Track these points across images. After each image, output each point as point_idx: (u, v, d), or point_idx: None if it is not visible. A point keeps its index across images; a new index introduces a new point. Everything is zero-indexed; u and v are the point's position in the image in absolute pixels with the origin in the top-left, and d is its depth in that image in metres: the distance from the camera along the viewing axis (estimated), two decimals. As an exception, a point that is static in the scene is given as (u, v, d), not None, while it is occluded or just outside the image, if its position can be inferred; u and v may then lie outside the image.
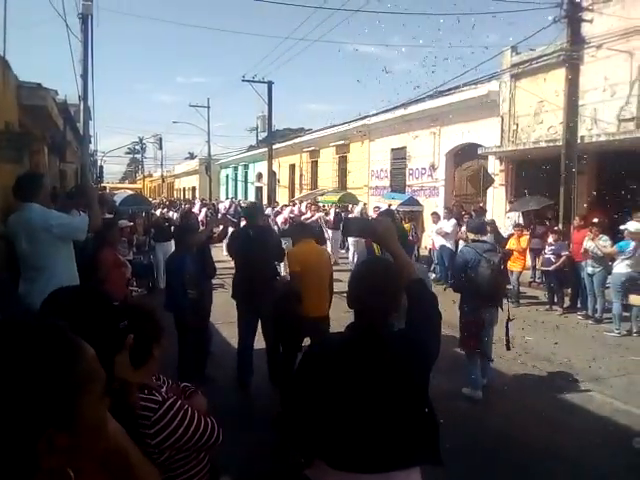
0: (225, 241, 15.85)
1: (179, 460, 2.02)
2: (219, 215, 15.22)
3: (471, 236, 6.13)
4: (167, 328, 2.32)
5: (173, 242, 11.26)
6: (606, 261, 8.96)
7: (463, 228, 12.07)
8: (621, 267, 8.45)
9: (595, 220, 9.47)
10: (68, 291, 1.74)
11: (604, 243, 8.89)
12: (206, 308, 6.10)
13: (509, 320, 5.53)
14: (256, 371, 5.85)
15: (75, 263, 4.26)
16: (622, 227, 8.83)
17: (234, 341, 7.46)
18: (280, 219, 14.83)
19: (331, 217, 16.28)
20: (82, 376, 0.87)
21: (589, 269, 9.13)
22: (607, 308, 9.06)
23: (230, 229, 15.31)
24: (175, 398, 2.06)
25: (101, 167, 36.39)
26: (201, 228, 7.65)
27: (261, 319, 5.75)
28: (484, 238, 6.07)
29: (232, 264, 15.20)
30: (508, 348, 5.64)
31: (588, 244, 9.05)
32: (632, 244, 8.40)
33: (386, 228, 2.29)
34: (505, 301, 5.78)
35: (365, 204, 18.42)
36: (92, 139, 25.53)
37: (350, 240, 15.57)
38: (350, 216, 13.83)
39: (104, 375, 0.94)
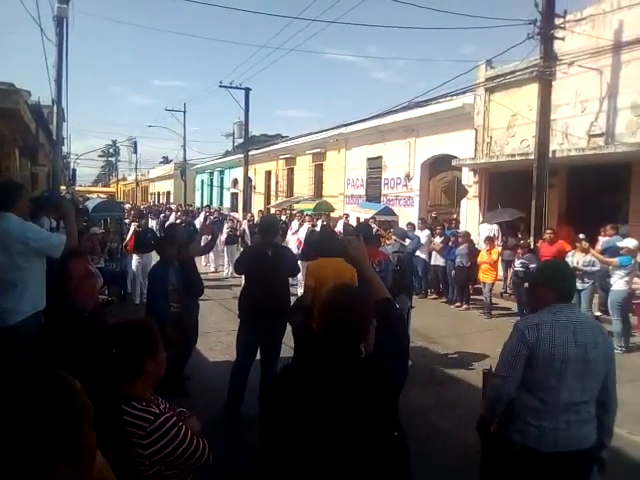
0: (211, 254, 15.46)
1: (167, 477, 2.04)
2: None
3: (394, 237, 8.43)
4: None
5: (152, 254, 10.99)
6: (597, 276, 8.91)
7: (436, 239, 12.21)
8: (620, 284, 8.39)
9: (582, 235, 9.40)
10: (60, 322, 1.81)
11: (590, 258, 8.85)
12: (191, 323, 5.91)
13: (410, 307, 7.02)
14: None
15: (45, 277, 4.17)
16: (620, 244, 8.82)
17: (207, 353, 7.42)
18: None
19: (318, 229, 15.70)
20: (79, 409, 0.93)
21: (578, 285, 9.10)
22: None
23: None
24: (171, 414, 2.11)
25: (74, 170, 35.87)
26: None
27: (262, 346, 5.39)
28: (402, 242, 8.32)
29: (212, 275, 14.70)
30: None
31: (578, 258, 8.97)
32: (633, 260, 8.38)
33: (356, 248, 2.33)
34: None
35: (347, 217, 17.15)
36: (65, 141, 25.14)
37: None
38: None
39: (91, 404, 0.99)
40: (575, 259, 9.01)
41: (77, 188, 34.13)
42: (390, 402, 1.96)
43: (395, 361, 2.04)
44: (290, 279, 6.02)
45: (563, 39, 11.69)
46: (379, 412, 1.91)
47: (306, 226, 13.24)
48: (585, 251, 9.01)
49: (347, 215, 16.91)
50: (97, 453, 1.11)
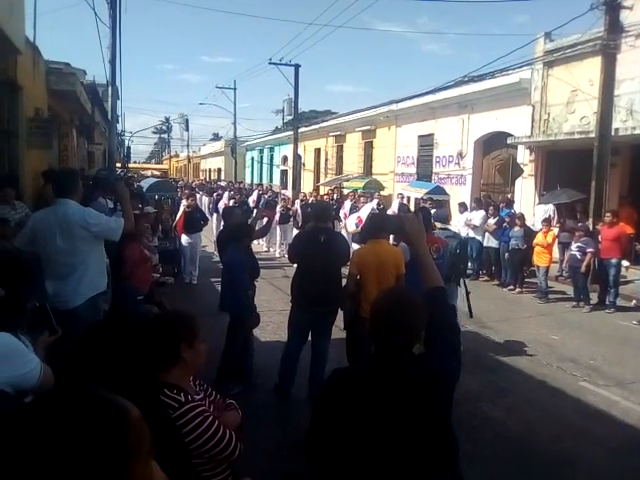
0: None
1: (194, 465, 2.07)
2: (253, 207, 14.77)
3: (438, 225, 7.19)
4: (208, 334, 2.36)
5: (201, 234, 11.15)
6: None
7: (490, 220, 11.90)
8: None
9: None
10: (103, 327, 1.88)
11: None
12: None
13: (468, 293, 6.46)
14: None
15: (104, 260, 4.32)
16: None
17: (258, 332, 7.45)
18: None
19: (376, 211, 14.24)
20: (131, 444, 0.92)
21: None
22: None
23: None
24: (198, 404, 2.14)
25: (128, 147, 36.83)
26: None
27: (314, 330, 5.46)
28: (447, 226, 7.52)
29: (264, 255, 14.65)
30: (471, 316, 6.54)
31: None
32: None
33: (415, 227, 2.24)
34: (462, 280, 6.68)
35: (403, 197, 16.26)
36: (119, 119, 25.81)
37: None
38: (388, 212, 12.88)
39: (149, 434, 0.98)
40: None
41: (131, 165, 35.00)
42: (443, 406, 1.92)
43: (448, 358, 1.97)
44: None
45: (631, 8, 11.01)
46: (431, 416, 1.87)
47: (370, 205, 12.40)
48: None
49: (402, 195, 16.41)
50: (156, 474, 1.11)
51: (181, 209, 10.86)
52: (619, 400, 5.66)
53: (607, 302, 9.61)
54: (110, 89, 13.25)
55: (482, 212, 12.32)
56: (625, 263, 9.95)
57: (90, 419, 0.89)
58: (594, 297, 9.85)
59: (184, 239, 10.65)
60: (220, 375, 5.22)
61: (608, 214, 10.02)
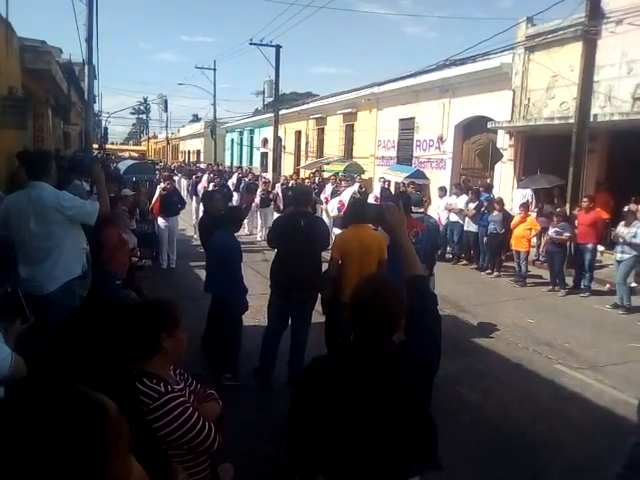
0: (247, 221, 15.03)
1: (172, 456, 2.04)
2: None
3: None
4: (188, 317, 2.32)
5: (178, 218, 11.04)
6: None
7: (470, 205, 11.98)
8: None
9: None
10: (82, 315, 1.84)
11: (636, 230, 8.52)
12: None
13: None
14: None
15: (83, 243, 4.24)
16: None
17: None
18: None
19: (357, 194, 12.95)
20: (108, 439, 0.91)
21: (617, 255, 8.83)
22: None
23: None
24: (178, 394, 2.11)
25: (106, 128, 36.18)
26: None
27: (293, 315, 5.42)
28: (420, 210, 7.27)
29: (245, 239, 14.55)
30: None
31: (621, 230, 8.75)
32: None
33: (395, 217, 2.23)
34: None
35: (385, 181, 16.20)
36: (96, 99, 25.28)
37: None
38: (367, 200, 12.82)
39: (127, 429, 0.97)
40: (624, 230, 8.70)
41: (108, 146, 34.42)
42: (422, 395, 1.92)
43: (428, 347, 1.98)
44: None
45: (613, -6, 11.03)
46: (410, 405, 1.87)
47: (352, 189, 12.47)
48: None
49: (384, 179, 16.33)
50: (134, 467, 1.09)
51: (157, 192, 10.68)
52: (593, 383, 5.78)
53: (582, 286, 9.77)
54: (87, 68, 12.96)
55: (464, 197, 12.42)
56: (600, 248, 10.12)
57: (67, 415, 0.88)
58: (570, 281, 10.01)
59: (161, 222, 10.50)
60: (230, 364, 5.28)
61: (585, 199, 10.14)
